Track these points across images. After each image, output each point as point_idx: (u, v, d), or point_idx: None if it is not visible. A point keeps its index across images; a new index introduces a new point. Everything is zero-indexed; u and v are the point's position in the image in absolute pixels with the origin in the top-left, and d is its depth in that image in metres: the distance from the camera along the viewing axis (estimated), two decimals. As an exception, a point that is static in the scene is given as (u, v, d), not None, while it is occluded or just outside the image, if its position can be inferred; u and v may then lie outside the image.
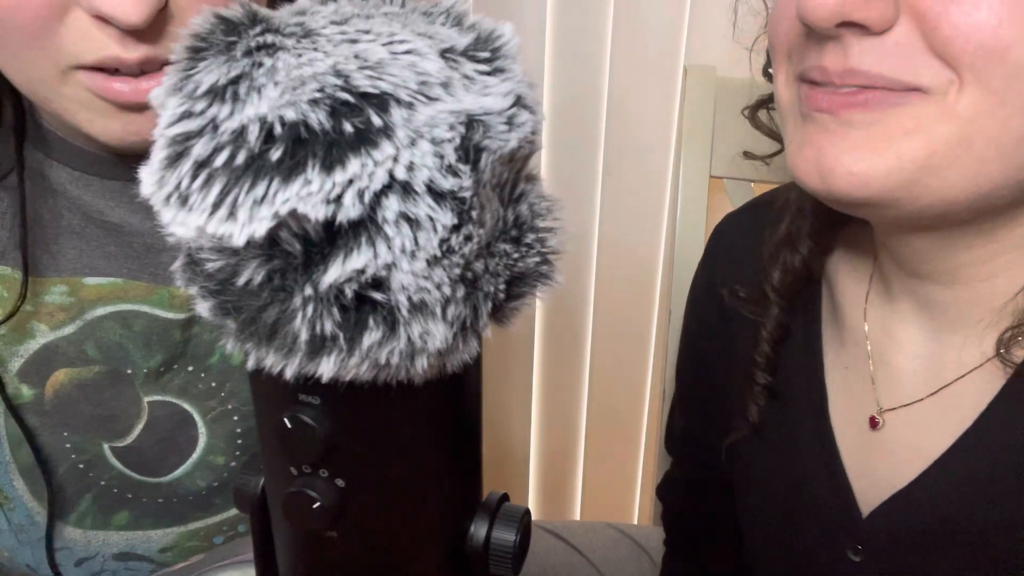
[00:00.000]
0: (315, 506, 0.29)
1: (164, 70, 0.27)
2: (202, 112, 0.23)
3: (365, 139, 0.23)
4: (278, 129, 0.23)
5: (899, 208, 0.43)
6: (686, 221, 0.87)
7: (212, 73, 0.24)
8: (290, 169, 0.22)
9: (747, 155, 0.78)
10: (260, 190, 0.22)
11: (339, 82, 0.23)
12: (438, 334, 0.25)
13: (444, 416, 0.30)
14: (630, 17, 1.03)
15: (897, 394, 0.53)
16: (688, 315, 0.74)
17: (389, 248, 0.23)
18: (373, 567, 0.32)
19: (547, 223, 0.28)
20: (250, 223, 0.23)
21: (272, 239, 0.24)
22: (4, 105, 0.58)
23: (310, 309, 0.24)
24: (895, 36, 0.40)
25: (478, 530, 0.33)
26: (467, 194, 0.24)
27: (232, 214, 0.23)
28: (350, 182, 0.22)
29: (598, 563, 0.83)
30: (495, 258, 0.27)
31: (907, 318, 0.53)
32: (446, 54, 0.25)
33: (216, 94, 0.23)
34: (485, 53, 0.26)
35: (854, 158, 0.42)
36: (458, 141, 0.24)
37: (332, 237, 0.24)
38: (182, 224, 0.23)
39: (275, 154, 0.23)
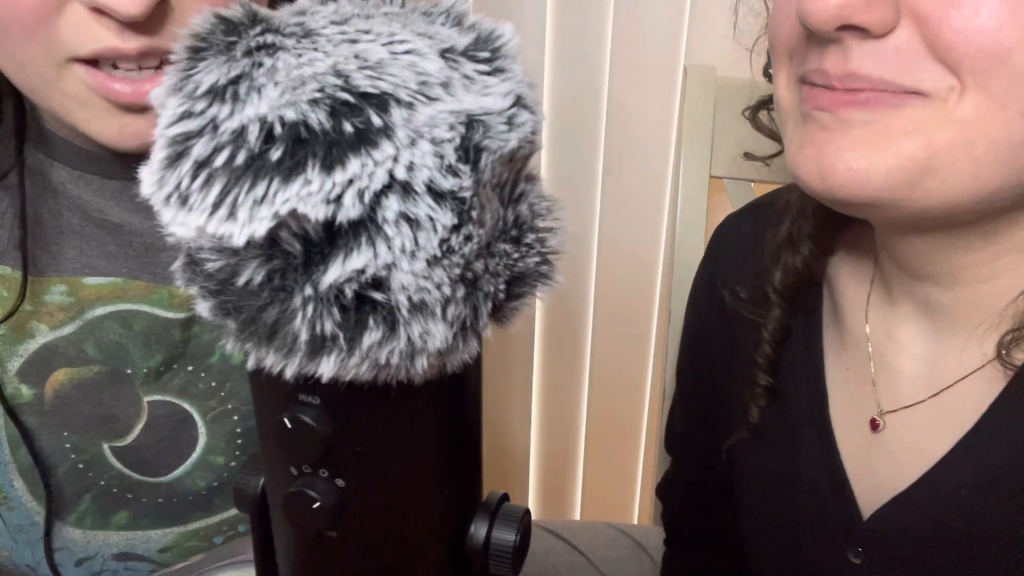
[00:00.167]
0: (315, 506, 0.29)
1: (164, 71, 0.27)
2: (202, 112, 0.23)
3: (365, 139, 0.23)
4: (278, 129, 0.23)
5: (900, 209, 0.43)
6: (686, 221, 0.86)
7: (212, 73, 0.24)
8: (290, 169, 0.22)
9: (747, 156, 0.78)
10: (260, 190, 0.23)
11: (339, 82, 0.23)
12: (438, 334, 0.25)
13: (444, 416, 0.30)
14: (630, 17, 1.03)
15: (898, 396, 0.53)
16: (689, 316, 0.74)
17: (389, 248, 0.23)
18: (373, 567, 0.32)
19: (547, 223, 0.28)
20: (250, 223, 0.23)
21: (272, 239, 0.24)
22: (4, 105, 0.57)
23: (310, 309, 0.24)
24: (896, 40, 0.40)
25: (478, 530, 0.33)
26: (467, 194, 0.24)
27: (232, 214, 0.23)
28: (350, 182, 0.22)
29: (598, 563, 0.83)
30: (495, 258, 0.27)
31: (908, 320, 0.53)
32: (446, 54, 0.25)
33: (216, 94, 0.23)
34: (485, 53, 0.26)
35: (854, 156, 0.42)
36: (458, 141, 0.24)
37: (332, 237, 0.24)
38: (182, 224, 0.23)
39: (275, 154, 0.23)
